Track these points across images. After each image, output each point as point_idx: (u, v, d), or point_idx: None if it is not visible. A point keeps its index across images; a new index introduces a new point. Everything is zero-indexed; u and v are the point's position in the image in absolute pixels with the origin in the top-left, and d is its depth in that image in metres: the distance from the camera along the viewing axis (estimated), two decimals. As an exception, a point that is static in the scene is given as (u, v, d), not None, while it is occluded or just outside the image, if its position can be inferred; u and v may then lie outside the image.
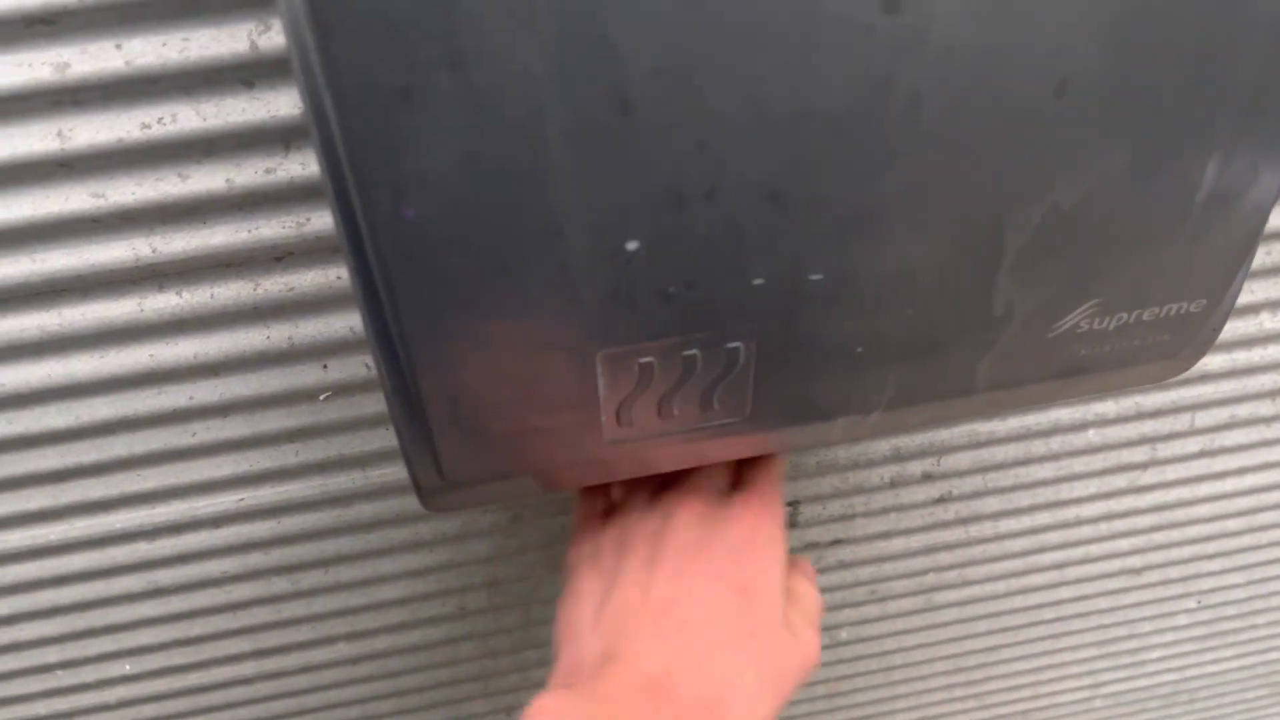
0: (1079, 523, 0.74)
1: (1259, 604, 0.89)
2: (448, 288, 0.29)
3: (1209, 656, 0.94)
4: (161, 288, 0.46)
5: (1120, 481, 0.72)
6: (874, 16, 0.26)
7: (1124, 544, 0.78)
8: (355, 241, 0.28)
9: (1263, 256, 0.58)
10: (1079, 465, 0.70)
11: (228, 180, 0.42)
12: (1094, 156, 0.30)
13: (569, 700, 0.36)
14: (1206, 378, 0.65)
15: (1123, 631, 0.88)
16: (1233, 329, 0.62)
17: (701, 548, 0.40)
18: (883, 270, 0.32)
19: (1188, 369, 0.40)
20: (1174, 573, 0.82)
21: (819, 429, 0.38)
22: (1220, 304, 0.36)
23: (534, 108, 0.26)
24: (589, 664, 0.38)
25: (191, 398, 0.51)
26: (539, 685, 0.74)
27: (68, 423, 0.50)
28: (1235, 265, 0.35)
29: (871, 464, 0.66)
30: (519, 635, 0.72)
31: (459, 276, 0.29)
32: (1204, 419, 0.68)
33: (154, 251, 0.44)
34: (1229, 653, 0.94)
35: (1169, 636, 0.90)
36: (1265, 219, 0.33)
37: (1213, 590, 0.86)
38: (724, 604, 0.39)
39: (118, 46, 0.38)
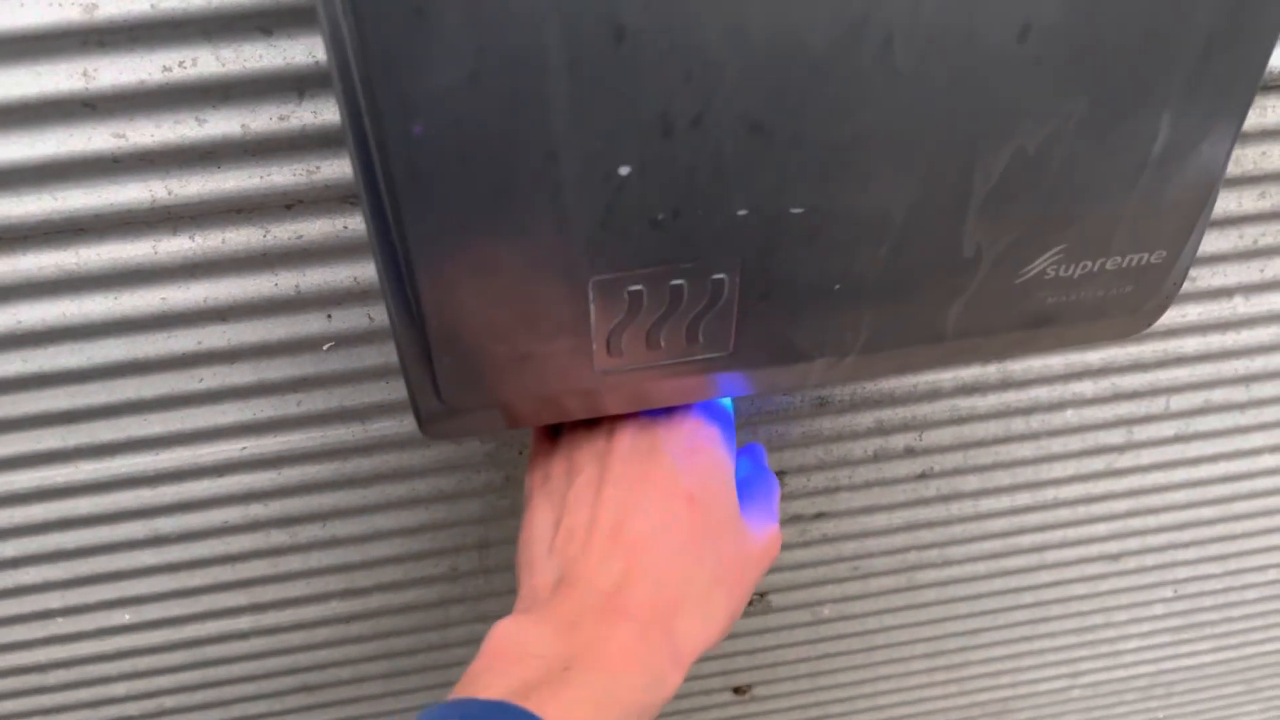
0: (1057, 504, 0.76)
1: (1234, 596, 0.91)
2: (450, 206, 0.31)
3: (1185, 649, 0.96)
4: (175, 231, 0.48)
5: (1098, 464, 0.74)
6: (847, -41, 0.28)
7: (1101, 529, 0.80)
8: (366, 159, 0.30)
9: (1235, 239, 0.61)
10: (1057, 445, 0.72)
11: (243, 126, 0.44)
12: (1055, 103, 0.32)
13: (526, 622, 0.38)
14: (1182, 360, 0.67)
15: (1100, 620, 0.90)
16: (1207, 311, 0.64)
17: (646, 460, 0.42)
18: (859, 206, 0.34)
19: (1149, 325, 0.42)
20: (1150, 560, 0.84)
21: (798, 370, 0.40)
22: (1179, 257, 0.38)
23: (535, 32, 0.28)
24: (545, 589, 0.40)
25: (200, 343, 0.53)
26: (527, 651, 0.76)
27: (79, 363, 0.52)
28: (1192, 218, 0.37)
29: (855, 436, 0.68)
30: (510, 600, 0.74)
31: (461, 195, 0.31)
32: (1179, 402, 0.71)
33: (169, 194, 0.46)
34: (1205, 645, 0.96)
35: (1146, 627, 0.92)
36: (1220, 173, 0.36)
37: (1188, 580, 0.87)
38: (673, 513, 0.40)
39: (144, -10, 0.40)
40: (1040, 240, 0.36)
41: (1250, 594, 0.91)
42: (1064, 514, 0.78)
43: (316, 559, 0.67)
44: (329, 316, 0.53)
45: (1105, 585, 0.86)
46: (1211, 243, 0.60)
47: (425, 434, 0.40)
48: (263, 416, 0.57)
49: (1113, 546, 0.82)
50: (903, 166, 0.33)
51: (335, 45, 0.28)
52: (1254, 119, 0.54)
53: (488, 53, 0.28)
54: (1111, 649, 0.94)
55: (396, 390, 0.58)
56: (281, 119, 0.44)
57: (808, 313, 0.37)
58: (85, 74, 0.42)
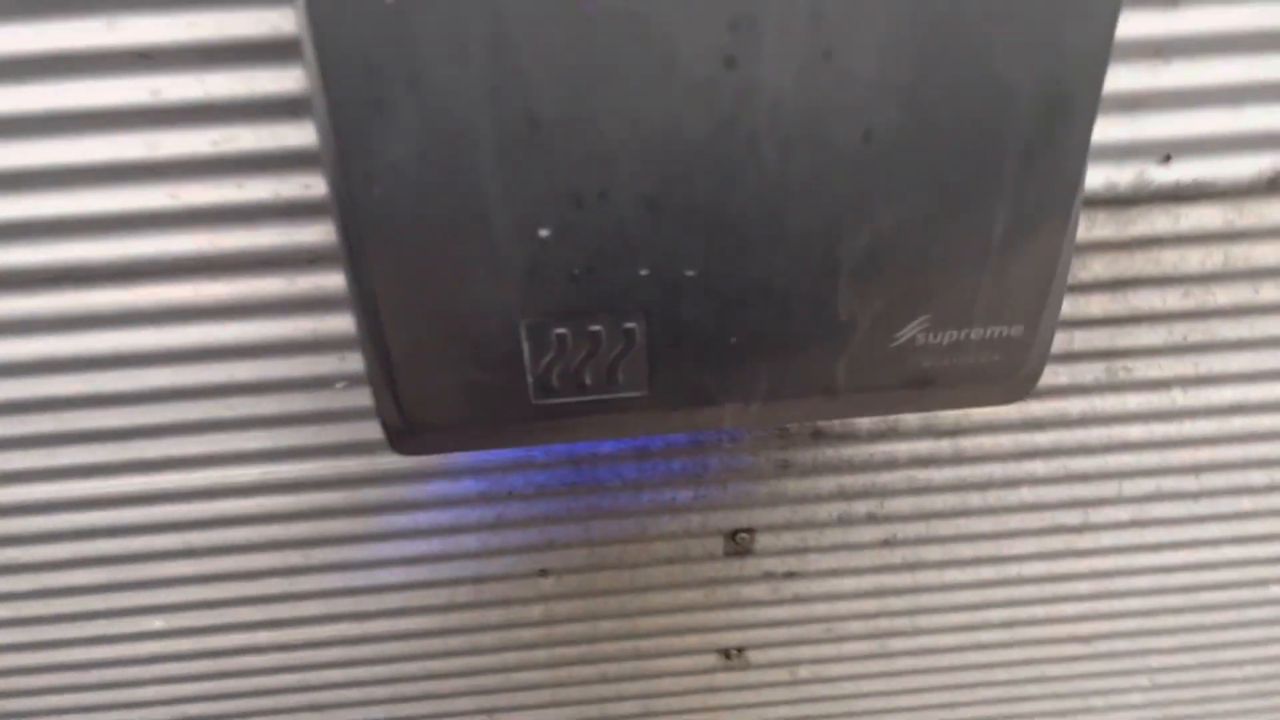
0: (1021, 581, 0.81)
1: (1214, 690, 0.93)
2: (406, 255, 0.39)
3: (1170, 743, 0.98)
4: (215, 278, 0.57)
5: (1057, 543, 0.78)
6: (717, 72, 0.36)
7: (1069, 609, 0.84)
8: (344, 218, 0.39)
9: (1165, 334, 0.66)
10: (1015, 522, 0.77)
11: (274, 192, 0.54)
12: (900, 194, 0.40)
13: None
14: (1128, 446, 0.72)
15: (1078, 703, 0.93)
16: (1146, 401, 0.70)
17: None
18: (744, 273, 0.41)
19: (1027, 392, 0.49)
20: (1122, 645, 0.87)
21: (710, 412, 0.47)
22: (1037, 331, 0.45)
23: (469, 121, 0.36)
24: None
25: (232, 375, 0.62)
26: (522, 687, 0.82)
27: (131, 387, 0.62)
28: (1041, 297, 0.44)
29: (820, 499, 0.74)
30: (500, 635, 0.80)
31: (413, 246, 0.39)
32: (1131, 488, 0.75)
33: (212, 246, 0.56)
34: (1189, 740, 0.98)
35: (1125, 715, 0.94)
36: (1057, 257, 0.42)
37: (1164, 670, 0.90)
38: None
39: (199, 80, 0.50)
40: (906, 310, 0.43)
41: (1230, 689, 0.93)
42: (1030, 591, 0.82)
43: (328, 580, 0.75)
44: (342, 358, 0.61)
45: (1080, 668, 0.89)
46: (1144, 337, 0.66)
47: (394, 449, 0.48)
48: (284, 445, 0.66)
49: (1083, 628, 0.85)
50: (777, 241, 0.40)
51: (321, 127, 0.37)
52: (1169, 225, 0.60)
53: (432, 136, 0.36)
54: (1093, 736, 0.96)
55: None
56: (306, 187, 0.54)
57: (711, 361, 0.44)
58: (149, 145, 0.52)
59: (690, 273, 0.41)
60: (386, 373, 0.44)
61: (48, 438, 0.64)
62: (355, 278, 0.41)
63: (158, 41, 0.49)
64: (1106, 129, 0.56)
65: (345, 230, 0.39)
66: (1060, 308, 0.45)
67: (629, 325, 0.42)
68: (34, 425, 0.63)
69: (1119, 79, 0.54)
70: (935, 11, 0.36)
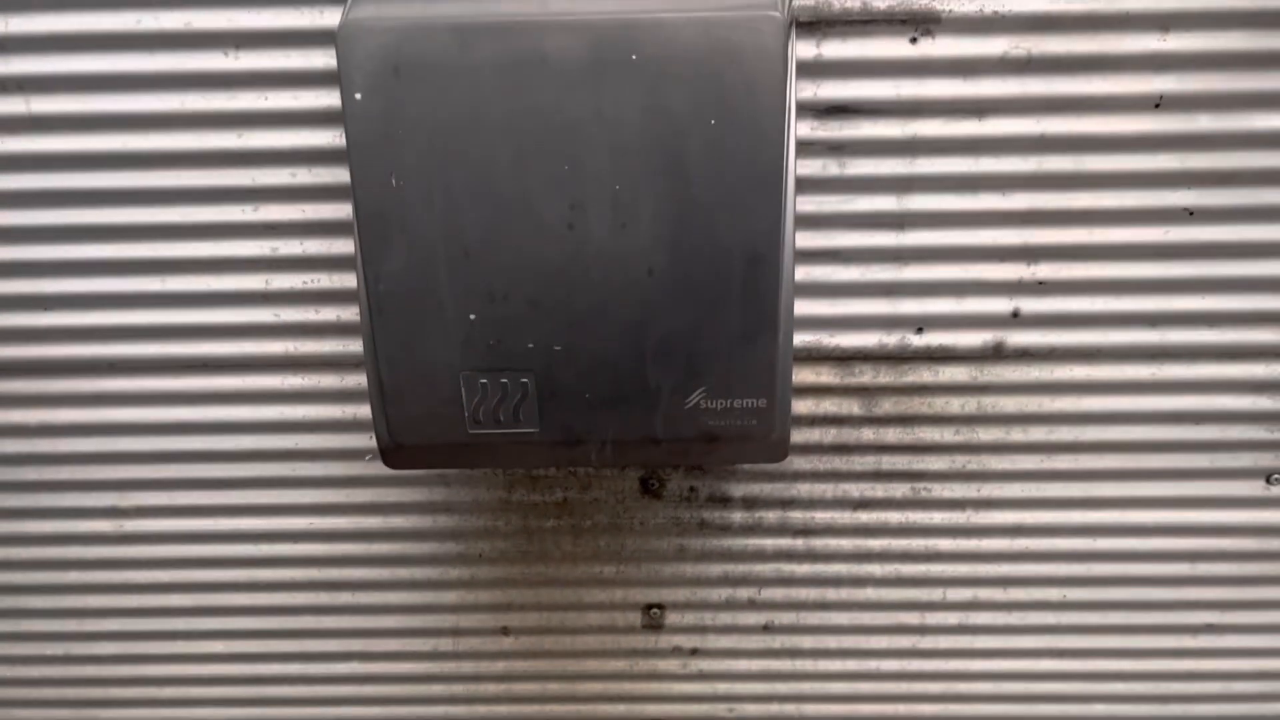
0: (880, 676, 1.02)
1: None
2: (396, 325, 0.70)
3: None
4: (295, 372, 0.89)
5: (904, 641, 1.01)
6: (565, 230, 0.68)
7: (925, 710, 1.04)
8: (365, 301, 0.71)
9: (949, 462, 0.92)
10: (866, 618, 1.00)
11: (338, 316, 0.86)
12: (673, 307, 0.70)
13: None
14: (941, 556, 0.96)
15: (952, 811, 1.10)
16: (948, 518, 0.95)
17: None
18: (590, 350, 0.71)
19: (783, 455, 0.76)
20: (979, 751, 1.06)
21: (581, 449, 0.76)
22: (775, 405, 0.73)
23: (432, 250, 0.68)
24: None
25: (296, 444, 0.92)
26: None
27: (227, 448, 0.93)
28: (771, 377, 0.72)
29: (710, 583, 0.99)
30: (472, 686, 1.05)
31: (401, 320, 0.70)
32: (954, 595, 0.98)
33: (296, 350, 0.88)
34: None
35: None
36: (775, 352, 0.71)
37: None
38: None
39: (300, 244, 0.84)
40: (690, 382, 0.72)
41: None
42: (889, 687, 1.03)
43: (346, 621, 1.01)
44: (370, 437, 0.92)
45: (947, 773, 1.08)
46: (933, 463, 0.92)
47: (386, 464, 0.77)
48: (326, 501, 0.95)
49: (943, 731, 1.05)
50: (607, 331, 0.70)
51: (356, 253, 0.69)
52: (932, 377, 0.88)
53: (412, 257, 0.68)
54: None
55: (405, 495, 0.95)
56: (356, 314, 0.86)
57: (576, 409, 0.73)
58: (266, 282, 0.85)
59: (558, 347, 0.71)
60: (381, 405, 0.74)
61: (171, 482, 0.95)
62: (369, 341, 0.72)
63: (281, 219, 0.83)
64: (878, 306, 0.86)
65: (364, 310, 0.71)
66: (790, 391, 0.73)
67: (524, 380, 0.72)
68: (165, 471, 0.94)
69: (877, 274, 0.84)
70: (685, 205, 0.68)
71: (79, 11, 0.75)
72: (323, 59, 0.75)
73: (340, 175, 0.80)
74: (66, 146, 0.79)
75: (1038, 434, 0.90)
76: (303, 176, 0.81)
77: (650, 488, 0.93)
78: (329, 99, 0.77)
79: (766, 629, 1.01)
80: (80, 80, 0.77)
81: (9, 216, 0.82)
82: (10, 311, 0.86)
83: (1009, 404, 0.89)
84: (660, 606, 1.00)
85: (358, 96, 0.65)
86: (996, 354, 0.87)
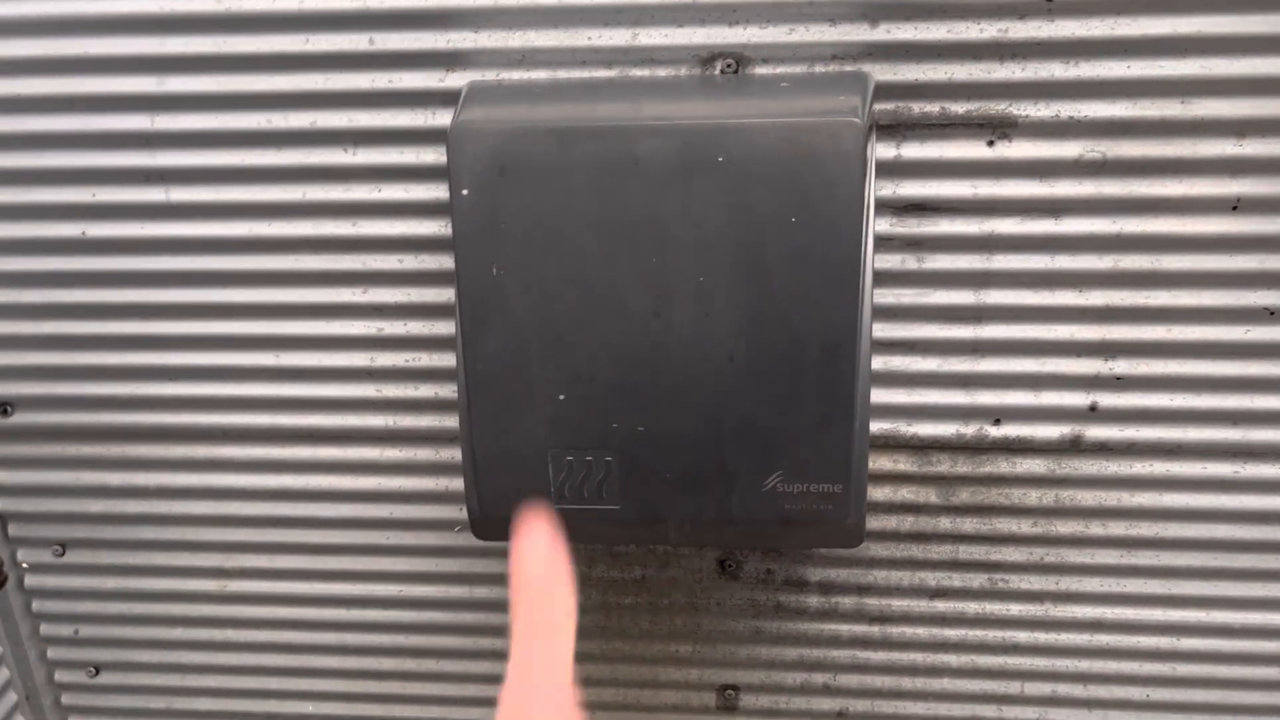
0: (957, 769, 1.02)
1: None
2: (491, 405, 0.75)
3: None
4: (393, 445, 0.94)
5: (981, 735, 1.00)
6: (650, 319, 0.72)
7: (1003, 806, 1.03)
8: (463, 380, 0.75)
9: (1027, 554, 0.93)
10: (943, 709, 1.00)
11: (435, 393, 0.92)
12: (752, 392, 0.73)
13: None
14: (1019, 649, 0.96)
15: None
16: (1026, 610, 0.95)
17: None
18: (671, 432, 0.75)
19: (859, 541, 0.78)
20: None
21: (661, 526, 0.79)
22: (850, 490, 0.75)
23: (526, 335, 0.73)
24: None
25: (391, 513, 0.97)
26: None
27: (327, 515, 0.98)
28: (847, 464, 0.74)
29: (786, 667, 1.00)
30: None
31: (496, 400, 0.75)
32: (1032, 689, 0.98)
33: (395, 424, 0.93)
34: None
35: None
36: (852, 439, 0.73)
37: None
38: None
39: (404, 324, 0.89)
40: (767, 465, 0.75)
41: None
42: (966, 782, 1.02)
43: (430, 688, 1.05)
44: (460, 509, 0.96)
45: None
46: (1010, 555, 0.93)
47: (475, 535, 0.81)
48: (416, 570, 1.00)
49: (1021, 831, 1.04)
50: (687, 414, 0.74)
51: (457, 336, 0.74)
52: (1009, 469, 0.89)
53: (507, 341, 0.73)
54: None
55: (492, 566, 0.99)
56: (454, 391, 0.91)
57: (656, 488, 0.77)
58: (370, 359, 0.91)
59: (640, 428, 0.75)
60: (474, 478, 0.78)
61: (273, 545, 1.00)
62: (465, 417, 0.76)
63: (387, 301, 0.89)
64: (955, 397, 0.88)
65: (462, 388, 0.76)
66: (865, 476, 0.75)
67: (607, 458, 0.76)
68: (268, 536, 1.00)
69: (954, 365, 0.86)
70: (766, 296, 0.71)
71: (216, 112, 0.82)
72: (433, 155, 0.82)
73: (444, 262, 0.85)
74: (199, 232, 0.87)
75: (1117, 529, 0.90)
76: (409, 263, 0.87)
77: (727, 569, 0.95)
78: (437, 192, 0.83)
79: (840, 716, 1.01)
80: (214, 173, 0.85)
81: (143, 294, 0.90)
82: (138, 381, 0.93)
83: (1088, 497, 0.89)
84: (735, 688, 1.01)
85: (465, 192, 0.71)
86: (1074, 447, 0.88)
